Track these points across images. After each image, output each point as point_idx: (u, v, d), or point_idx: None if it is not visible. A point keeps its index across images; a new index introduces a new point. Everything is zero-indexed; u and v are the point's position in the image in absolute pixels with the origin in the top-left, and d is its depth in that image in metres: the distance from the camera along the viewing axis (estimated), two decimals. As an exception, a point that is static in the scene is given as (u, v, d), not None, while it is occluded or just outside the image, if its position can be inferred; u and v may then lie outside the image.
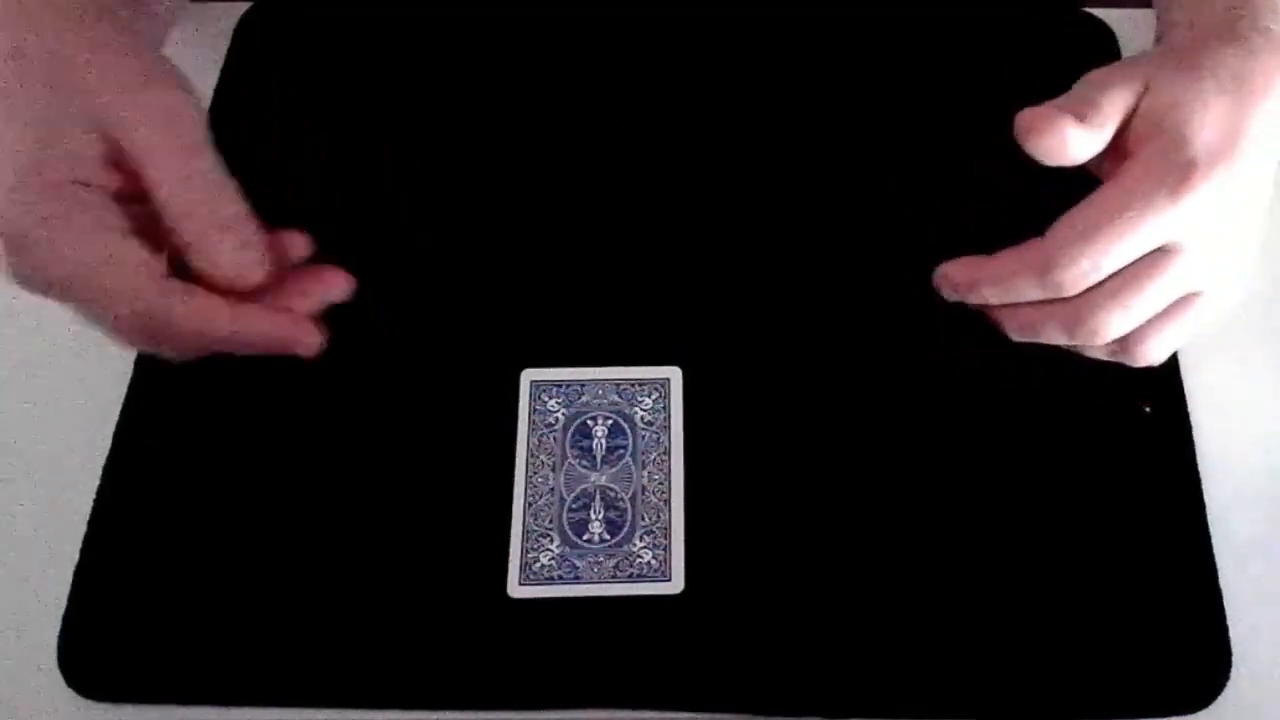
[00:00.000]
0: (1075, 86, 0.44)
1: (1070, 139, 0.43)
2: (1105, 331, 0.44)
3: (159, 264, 0.42)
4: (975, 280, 0.46)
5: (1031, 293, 0.45)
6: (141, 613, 0.46)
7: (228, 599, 0.47)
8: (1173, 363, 0.50)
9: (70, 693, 0.45)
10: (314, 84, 0.53)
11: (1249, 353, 0.51)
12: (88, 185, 0.41)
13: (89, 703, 0.45)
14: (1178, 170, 0.42)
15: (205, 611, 0.46)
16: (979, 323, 0.51)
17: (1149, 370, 0.50)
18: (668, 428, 0.50)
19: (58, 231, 0.41)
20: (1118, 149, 0.44)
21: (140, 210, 0.42)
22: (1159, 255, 0.43)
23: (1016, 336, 0.46)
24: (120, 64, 0.43)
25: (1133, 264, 0.43)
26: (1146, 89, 0.43)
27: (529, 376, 0.51)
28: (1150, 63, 0.44)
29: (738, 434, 0.50)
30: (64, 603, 0.47)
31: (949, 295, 0.47)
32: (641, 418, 0.50)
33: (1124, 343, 0.45)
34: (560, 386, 0.51)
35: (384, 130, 0.56)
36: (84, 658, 0.46)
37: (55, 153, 0.41)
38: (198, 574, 0.47)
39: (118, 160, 0.41)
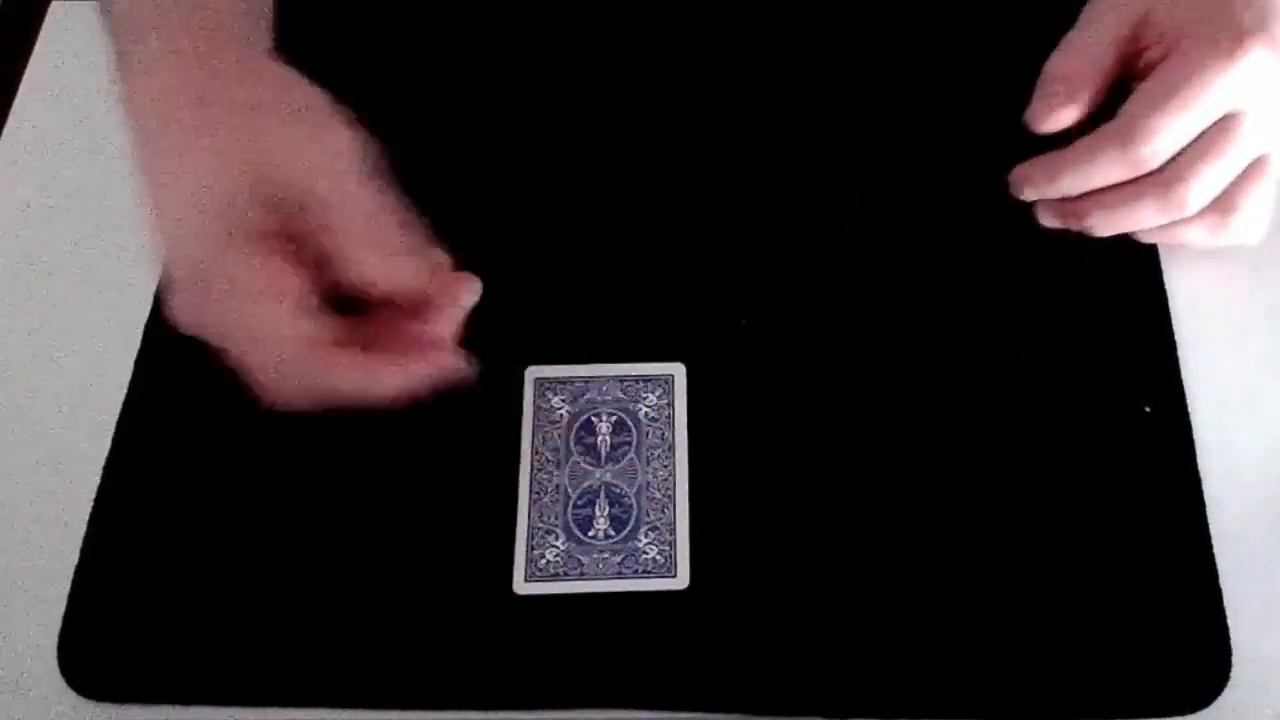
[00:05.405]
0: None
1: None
2: (1193, 199, 0.47)
3: (322, 330, 0.43)
4: (1056, 172, 0.48)
5: (1116, 171, 0.47)
6: (141, 613, 0.46)
7: (228, 598, 0.46)
8: (1173, 363, 0.51)
9: (70, 693, 0.45)
10: (314, 85, 0.52)
11: (1249, 353, 0.51)
12: (265, 237, 0.42)
13: (89, 703, 0.45)
14: (1227, 38, 0.46)
15: (205, 611, 0.46)
16: (978, 322, 0.51)
17: (1149, 370, 0.51)
18: (672, 424, 0.50)
19: (233, 283, 0.42)
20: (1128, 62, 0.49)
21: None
22: (1227, 121, 0.46)
23: (1103, 230, 0.49)
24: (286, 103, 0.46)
25: (1205, 133, 0.46)
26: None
27: (533, 374, 0.51)
28: None
29: (742, 430, 0.50)
30: (64, 603, 0.46)
31: (1028, 195, 0.49)
32: (646, 414, 0.50)
33: (1218, 209, 0.48)
34: (564, 384, 0.51)
35: (387, 127, 0.55)
36: (84, 658, 0.45)
37: (235, 203, 0.42)
38: (198, 573, 0.47)
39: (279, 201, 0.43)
